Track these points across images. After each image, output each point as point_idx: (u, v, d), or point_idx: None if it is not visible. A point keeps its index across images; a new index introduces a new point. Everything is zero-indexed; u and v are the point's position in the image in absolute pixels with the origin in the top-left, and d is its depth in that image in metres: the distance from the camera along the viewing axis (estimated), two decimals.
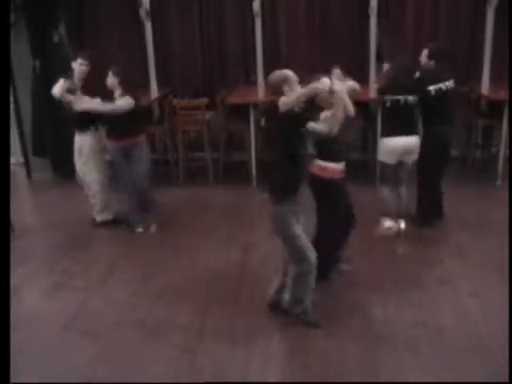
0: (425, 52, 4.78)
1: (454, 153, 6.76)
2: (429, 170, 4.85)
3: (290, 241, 3.44)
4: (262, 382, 3.19)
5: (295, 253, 3.46)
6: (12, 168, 6.59)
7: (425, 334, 3.52)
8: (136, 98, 4.87)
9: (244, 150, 6.61)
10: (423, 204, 5.00)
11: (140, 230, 5.16)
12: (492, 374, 3.13)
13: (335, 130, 3.59)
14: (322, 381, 3.17)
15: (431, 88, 4.63)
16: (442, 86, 4.66)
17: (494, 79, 6.63)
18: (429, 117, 4.75)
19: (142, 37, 6.93)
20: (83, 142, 5.11)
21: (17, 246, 4.88)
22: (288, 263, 3.58)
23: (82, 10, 6.89)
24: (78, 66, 4.96)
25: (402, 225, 4.85)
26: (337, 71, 4.22)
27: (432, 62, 4.72)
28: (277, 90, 3.33)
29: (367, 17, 6.63)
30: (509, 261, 4.16)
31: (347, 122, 3.68)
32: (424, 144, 4.70)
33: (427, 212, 5.00)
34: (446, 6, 6.62)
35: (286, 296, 3.65)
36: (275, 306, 3.75)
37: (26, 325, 3.78)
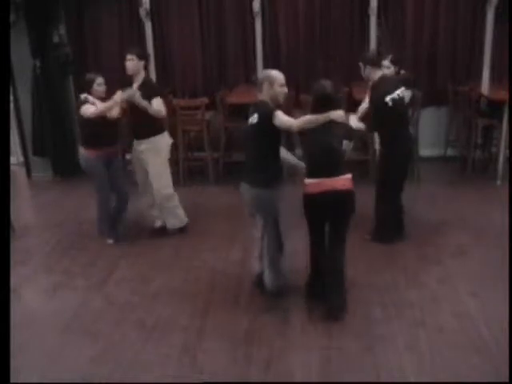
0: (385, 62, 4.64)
1: (454, 153, 6.83)
2: (389, 182, 4.62)
3: (272, 218, 3.74)
4: (262, 381, 3.20)
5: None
6: (12, 168, 6.59)
7: (425, 334, 3.52)
8: None
9: (244, 150, 6.60)
10: (381, 219, 4.74)
11: (111, 241, 5.01)
12: (492, 374, 3.13)
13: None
14: (322, 381, 3.17)
15: (387, 99, 4.34)
16: (396, 95, 4.39)
17: (494, 79, 6.64)
18: (386, 128, 4.51)
19: (142, 37, 6.94)
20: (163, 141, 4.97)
21: (17, 246, 4.89)
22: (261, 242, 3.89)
23: (81, 10, 6.90)
24: (126, 61, 4.75)
25: None
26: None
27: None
28: (260, 88, 3.70)
29: (367, 16, 6.64)
30: (509, 261, 4.16)
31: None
32: (384, 155, 4.61)
33: (385, 227, 4.74)
34: (446, 6, 6.62)
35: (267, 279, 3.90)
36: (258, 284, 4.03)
37: (26, 325, 3.78)
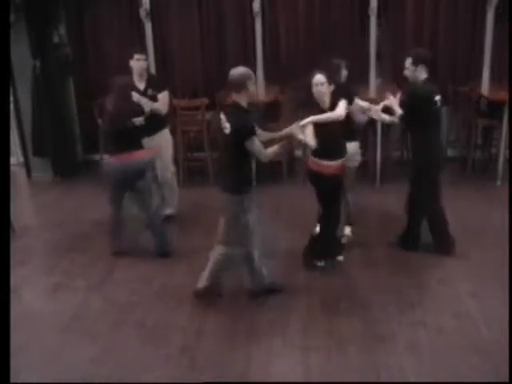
0: (409, 60, 4.33)
1: (454, 153, 6.82)
2: (424, 187, 4.45)
3: (240, 224, 3.74)
4: (262, 381, 3.20)
5: (240, 235, 3.78)
6: (12, 168, 6.58)
7: (425, 334, 3.52)
8: None
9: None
10: (411, 222, 4.59)
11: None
12: (492, 374, 3.13)
13: None
14: (322, 381, 3.17)
15: (437, 98, 4.26)
16: (438, 98, 4.29)
17: (494, 79, 6.63)
18: (428, 130, 4.35)
19: (142, 37, 6.94)
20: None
21: (17, 246, 4.88)
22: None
23: (81, 10, 6.90)
24: (135, 61, 4.89)
25: (347, 231, 4.76)
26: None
27: (419, 68, 4.29)
28: (240, 87, 3.68)
29: (367, 16, 6.64)
30: (509, 261, 4.16)
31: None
32: (421, 158, 4.42)
33: (412, 234, 4.62)
34: (446, 6, 6.62)
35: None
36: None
37: (26, 325, 3.78)
